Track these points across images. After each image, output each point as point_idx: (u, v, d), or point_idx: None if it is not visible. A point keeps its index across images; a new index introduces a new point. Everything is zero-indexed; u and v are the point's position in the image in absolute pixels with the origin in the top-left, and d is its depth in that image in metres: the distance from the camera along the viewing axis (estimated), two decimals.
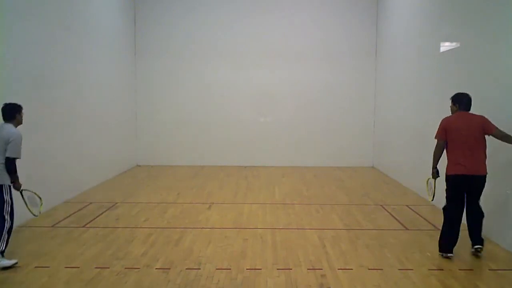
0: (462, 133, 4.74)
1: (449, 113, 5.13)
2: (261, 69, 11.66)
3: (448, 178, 4.85)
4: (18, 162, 4.60)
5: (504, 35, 5.44)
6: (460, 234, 4.87)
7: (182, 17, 11.57)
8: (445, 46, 7.18)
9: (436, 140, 4.96)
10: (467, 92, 4.99)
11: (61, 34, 7.49)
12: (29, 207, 4.78)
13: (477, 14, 6.17)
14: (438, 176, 5.05)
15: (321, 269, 4.56)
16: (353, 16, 11.60)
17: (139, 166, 11.64)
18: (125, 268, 4.55)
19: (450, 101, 5.04)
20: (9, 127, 4.62)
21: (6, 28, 5.92)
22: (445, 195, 4.91)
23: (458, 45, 6.75)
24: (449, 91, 7.02)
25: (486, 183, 4.84)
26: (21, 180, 4.70)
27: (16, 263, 4.51)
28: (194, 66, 11.66)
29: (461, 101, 4.93)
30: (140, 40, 11.63)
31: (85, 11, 8.59)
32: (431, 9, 8.01)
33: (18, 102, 4.78)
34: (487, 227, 5.59)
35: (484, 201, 5.67)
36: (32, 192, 4.83)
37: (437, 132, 4.95)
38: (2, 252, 4.47)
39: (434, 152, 4.97)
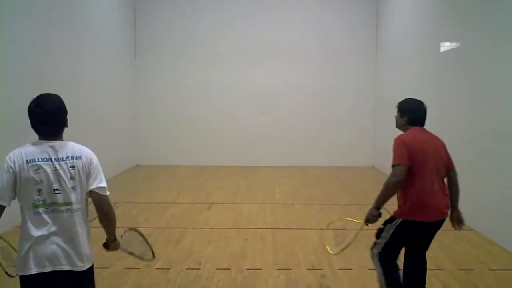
0: (431, 159, 3.25)
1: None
2: (261, 69, 11.66)
3: (402, 225, 3.33)
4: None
5: (504, 35, 5.44)
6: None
7: (182, 16, 11.57)
8: (445, 46, 7.18)
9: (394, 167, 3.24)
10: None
11: (61, 34, 7.48)
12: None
13: (477, 14, 6.17)
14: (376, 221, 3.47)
15: (321, 269, 4.56)
16: (353, 16, 11.59)
17: (139, 166, 11.64)
18: (125, 268, 4.53)
19: (397, 110, 3.48)
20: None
21: (6, 28, 5.92)
22: (384, 240, 3.44)
23: (458, 45, 6.75)
24: (449, 91, 7.06)
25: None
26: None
27: None
28: (194, 66, 11.66)
29: (414, 112, 3.39)
30: (140, 40, 11.63)
31: (85, 11, 8.59)
32: (431, 9, 8.01)
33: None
34: (488, 227, 5.60)
35: (484, 201, 5.68)
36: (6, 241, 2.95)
37: (396, 154, 3.24)
38: None
39: (387, 184, 3.32)
